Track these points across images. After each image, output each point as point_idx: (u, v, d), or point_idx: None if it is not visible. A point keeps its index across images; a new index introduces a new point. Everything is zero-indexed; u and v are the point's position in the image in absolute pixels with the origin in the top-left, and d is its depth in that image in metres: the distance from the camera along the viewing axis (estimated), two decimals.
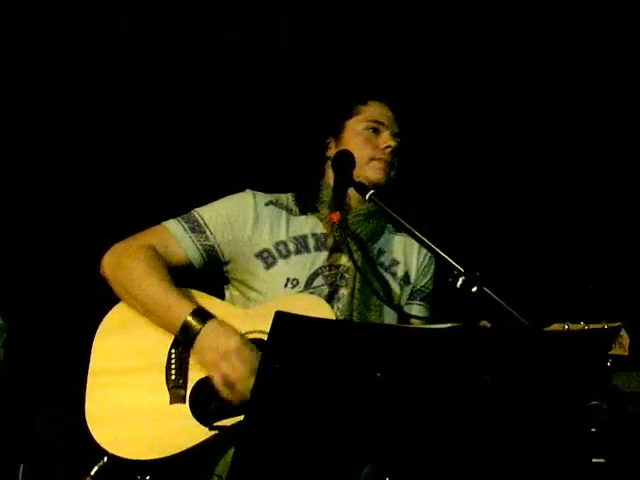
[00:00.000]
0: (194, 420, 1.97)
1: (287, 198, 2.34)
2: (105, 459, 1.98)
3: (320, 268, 2.21)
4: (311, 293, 2.16)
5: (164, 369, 2.05)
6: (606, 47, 3.34)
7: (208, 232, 2.20)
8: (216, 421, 1.96)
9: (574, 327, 1.84)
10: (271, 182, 2.35)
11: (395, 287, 2.31)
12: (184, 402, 2.00)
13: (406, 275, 2.35)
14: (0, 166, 3.51)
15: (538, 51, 3.42)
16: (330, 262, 2.22)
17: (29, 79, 3.50)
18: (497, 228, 3.66)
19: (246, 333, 2.05)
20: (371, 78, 2.61)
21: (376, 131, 2.29)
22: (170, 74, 3.54)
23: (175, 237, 2.19)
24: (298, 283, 2.17)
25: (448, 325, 1.83)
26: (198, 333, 2.01)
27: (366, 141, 2.27)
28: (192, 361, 2.05)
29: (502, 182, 3.71)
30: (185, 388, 2.02)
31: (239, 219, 2.21)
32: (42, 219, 3.60)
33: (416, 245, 2.37)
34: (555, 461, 1.67)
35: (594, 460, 1.96)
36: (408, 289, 2.35)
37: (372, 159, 2.26)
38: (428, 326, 1.75)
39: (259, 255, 2.20)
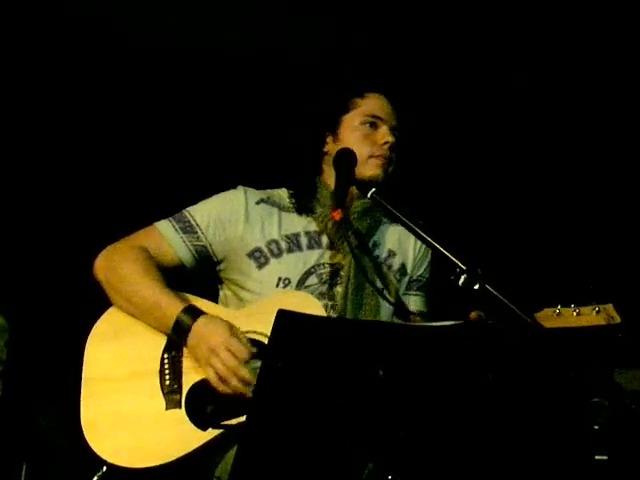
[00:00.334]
0: (191, 425, 1.96)
1: (280, 194, 2.33)
2: (104, 469, 1.98)
3: (313, 267, 2.20)
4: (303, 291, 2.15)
5: (158, 374, 2.04)
6: (606, 47, 3.34)
7: (199, 232, 2.19)
8: (213, 424, 1.95)
9: (565, 310, 1.85)
10: (267, 178, 2.34)
11: (392, 280, 2.30)
12: (180, 407, 1.99)
13: (402, 266, 2.35)
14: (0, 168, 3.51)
15: (538, 51, 3.42)
16: (324, 260, 2.21)
17: (29, 79, 3.50)
18: (497, 225, 3.66)
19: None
20: (369, 70, 2.60)
21: (374, 125, 2.26)
22: (170, 74, 3.54)
23: (166, 238, 2.19)
24: (290, 282, 2.17)
25: (450, 323, 1.83)
26: (190, 329, 2.01)
27: (364, 137, 2.25)
28: (185, 364, 2.05)
29: (502, 179, 3.70)
30: (180, 393, 2.01)
31: (230, 218, 2.20)
32: (42, 218, 3.60)
33: (412, 235, 2.37)
34: (557, 458, 1.67)
35: (597, 457, 1.96)
36: (405, 280, 2.35)
37: (371, 156, 2.23)
38: (430, 324, 1.75)
39: (251, 255, 2.20)
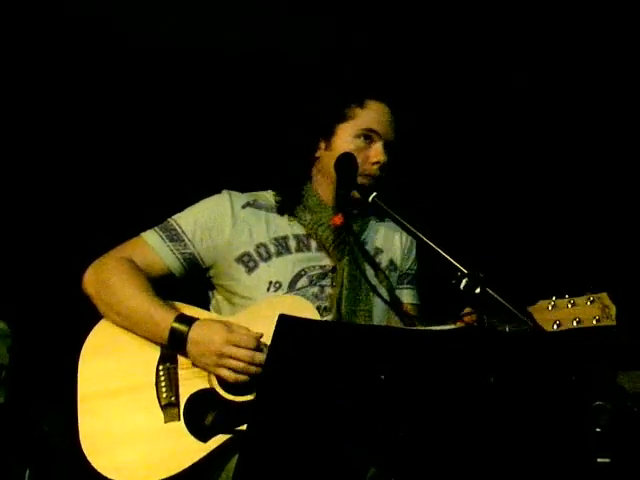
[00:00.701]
0: (191, 437, 1.96)
1: (266, 196, 2.32)
2: None
3: (303, 269, 2.19)
4: (295, 294, 2.15)
5: (154, 387, 2.03)
6: (606, 47, 3.34)
7: (186, 240, 2.19)
8: (214, 435, 1.94)
9: (559, 302, 1.85)
10: (255, 179, 2.33)
11: (383, 277, 2.29)
12: (179, 419, 1.99)
13: (391, 262, 2.35)
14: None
15: (538, 51, 3.41)
16: (313, 263, 2.21)
17: (28, 79, 3.49)
18: (492, 220, 3.66)
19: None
20: (369, 75, 2.58)
21: (368, 138, 2.23)
22: (170, 74, 3.53)
23: (154, 248, 2.18)
24: (281, 286, 2.16)
25: (451, 326, 1.83)
26: (187, 338, 2.01)
27: (356, 151, 2.21)
28: (181, 375, 2.04)
29: (502, 182, 3.70)
30: (178, 405, 2.01)
31: (216, 224, 2.20)
32: (43, 223, 3.58)
33: (397, 231, 2.36)
34: (560, 461, 1.67)
35: (599, 460, 1.96)
36: (395, 275, 2.35)
37: (359, 173, 2.20)
38: (431, 328, 1.75)
39: (239, 259, 2.19)
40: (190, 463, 1.92)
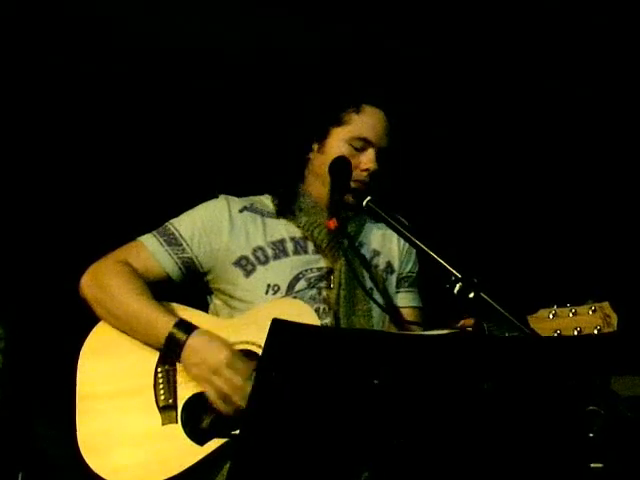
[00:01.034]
0: (188, 440, 1.96)
1: (262, 200, 2.32)
2: None
3: (301, 272, 2.19)
4: (294, 297, 2.14)
5: (152, 389, 2.03)
6: (605, 47, 3.33)
7: (184, 244, 2.18)
8: (210, 438, 1.94)
9: (561, 311, 1.84)
10: (251, 183, 2.33)
11: (380, 280, 2.29)
12: (176, 422, 1.99)
13: (389, 264, 2.34)
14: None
15: (538, 51, 3.40)
16: (311, 265, 2.21)
17: (28, 79, 3.50)
18: (491, 226, 3.66)
19: (232, 344, 2.04)
20: (368, 81, 2.57)
21: (361, 144, 2.22)
22: (170, 74, 3.54)
23: (152, 252, 2.18)
24: (279, 289, 2.16)
25: (445, 332, 1.83)
26: (184, 345, 2.01)
27: (348, 156, 2.20)
28: (180, 378, 2.05)
29: (507, 191, 3.70)
30: (176, 408, 2.01)
31: (214, 228, 2.19)
32: (41, 226, 3.60)
33: (395, 233, 2.35)
34: (553, 467, 1.67)
35: (592, 466, 1.96)
36: (393, 278, 2.34)
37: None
38: (426, 333, 1.76)
39: (237, 263, 2.19)
40: (187, 466, 1.93)
